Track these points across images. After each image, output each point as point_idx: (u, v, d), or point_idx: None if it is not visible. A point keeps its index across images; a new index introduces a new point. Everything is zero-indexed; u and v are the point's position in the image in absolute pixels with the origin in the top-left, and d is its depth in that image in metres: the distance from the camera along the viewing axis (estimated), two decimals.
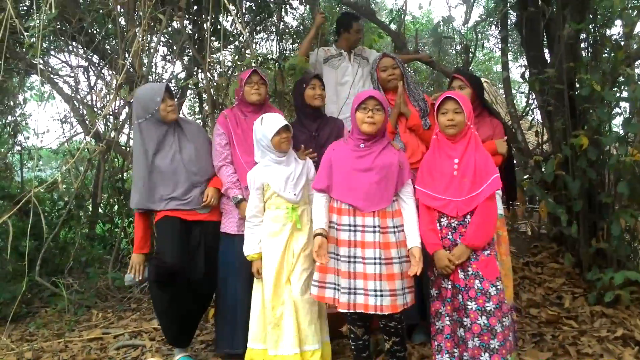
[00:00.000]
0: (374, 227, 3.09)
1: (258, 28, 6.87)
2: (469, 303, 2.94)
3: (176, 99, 3.71)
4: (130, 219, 5.77)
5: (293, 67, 4.40)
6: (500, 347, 2.88)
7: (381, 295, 3.01)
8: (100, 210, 6.38)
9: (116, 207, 6.27)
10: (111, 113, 5.21)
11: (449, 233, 3.01)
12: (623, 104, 4.71)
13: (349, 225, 3.12)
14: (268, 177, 3.38)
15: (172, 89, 3.73)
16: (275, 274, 3.32)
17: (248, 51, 5.99)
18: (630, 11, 4.53)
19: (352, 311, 3.08)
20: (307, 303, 3.30)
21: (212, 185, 3.70)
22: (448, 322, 3.03)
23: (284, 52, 6.81)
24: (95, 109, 5.47)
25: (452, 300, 3.01)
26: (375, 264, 3.04)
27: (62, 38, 5.57)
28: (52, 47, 6.03)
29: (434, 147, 3.16)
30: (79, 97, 5.82)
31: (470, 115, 3.07)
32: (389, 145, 3.23)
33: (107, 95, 5.61)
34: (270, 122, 3.37)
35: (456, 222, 3.00)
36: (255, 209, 3.43)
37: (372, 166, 3.12)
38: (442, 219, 3.03)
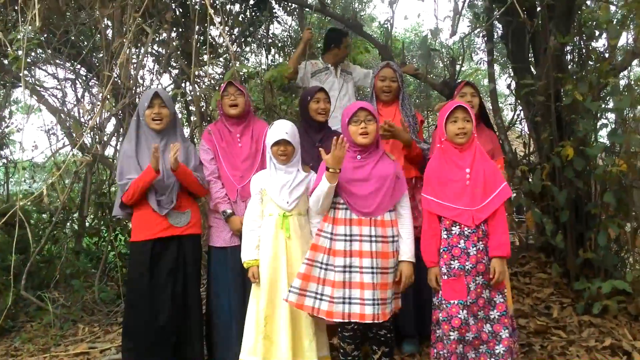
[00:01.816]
0: (371, 236, 3.10)
1: (246, 40, 6.88)
2: (478, 312, 3.00)
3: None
4: (117, 232, 5.73)
5: (274, 78, 4.41)
6: (505, 353, 2.95)
7: (378, 304, 3.02)
8: (87, 223, 6.32)
9: (103, 221, 6.21)
10: (97, 125, 5.17)
11: (461, 241, 3.01)
12: (610, 114, 4.77)
13: (345, 235, 3.12)
14: (266, 183, 3.39)
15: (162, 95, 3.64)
16: (269, 282, 3.30)
17: (237, 63, 6.00)
18: (615, 24, 4.60)
19: (347, 321, 3.07)
20: (309, 317, 3.28)
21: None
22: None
23: (272, 64, 6.82)
24: (82, 122, 5.44)
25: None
26: (373, 273, 3.05)
27: (49, 50, 5.54)
28: (38, 60, 5.99)
29: (439, 156, 3.15)
30: (65, 109, 5.78)
31: (475, 124, 3.11)
32: (384, 155, 3.24)
33: (94, 108, 5.58)
34: (273, 131, 3.37)
35: (469, 231, 3.00)
36: (253, 213, 3.43)
37: (370, 176, 3.15)
38: (453, 228, 3.03)
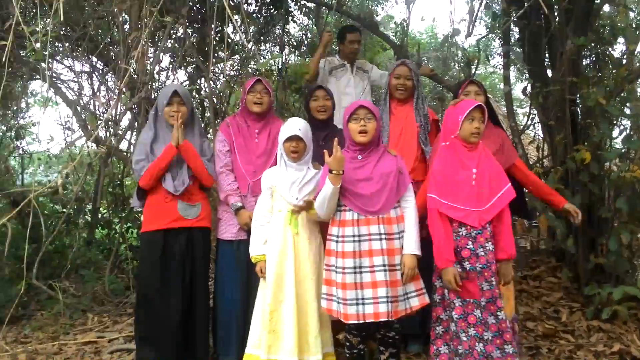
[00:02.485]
0: (380, 234, 3.09)
1: (262, 39, 6.91)
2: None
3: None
4: (129, 224, 5.78)
5: (292, 79, 4.42)
6: (515, 353, 2.96)
7: (390, 302, 3.02)
8: (99, 214, 6.38)
9: (115, 213, 6.27)
10: (112, 119, 5.22)
11: (469, 243, 3.00)
12: (624, 120, 4.72)
13: (354, 236, 3.11)
14: (277, 179, 3.42)
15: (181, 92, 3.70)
16: (275, 276, 3.31)
17: (253, 62, 6.02)
18: (634, 29, 4.56)
19: (362, 321, 3.06)
20: (316, 312, 3.29)
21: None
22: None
23: (287, 62, 6.85)
24: (97, 114, 5.49)
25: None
26: (384, 270, 3.04)
27: (67, 44, 5.60)
28: (56, 53, 6.06)
29: (445, 155, 3.12)
30: (82, 102, 5.84)
31: (487, 122, 3.12)
32: (385, 152, 3.24)
33: (110, 101, 5.63)
34: (286, 128, 3.39)
35: (475, 232, 2.99)
36: (263, 208, 3.45)
37: (372, 175, 3.14)
38: (460, 229, 3.01)
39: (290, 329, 3.25)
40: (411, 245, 3.11)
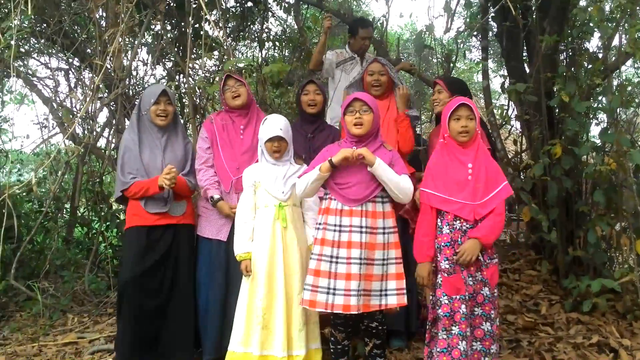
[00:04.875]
0: (361, 227, 3.09)
1: (240, 35, 6.87)
2: (475, 309, 3.00)
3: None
4: (108, 222, 5.71)
5: (270, 74, 4.40)
6: (497, 352, 3.00)
7: (361, 295, 3.03)
8: (78, 213, 6.30)
9: (94, 211, 6.19)
10: (89, 115, 5.16)
11: (461, 237, 3.01)
12: (602, 114, 4.79)
13: (335, 226, 3.12)
14: (259, 175, 3.42)
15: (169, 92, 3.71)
16: (267, 272, 3.31)
17: (231, 58, 5.96)
18: (607, 23, 4.61)
19: (329, 311, 3.07)
20: (300, 307, 3.30)
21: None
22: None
23: (266, 59, 6.81)
24: (74, 111, 5.41)
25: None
26: (360, 264, 3.04)
27: (42, 40, 5.52)
28: (31, 50, 5.96)
29: (441, 151, 3.14)
30: (58, 99, 5.76)
31: (479, 121, 3.10)
32: (382, 146, 3.23)
33: (86, 97, 5.56)
34: (267, 127, 3.39)
35: (468, 226, 3.00)
36: (247, 205, 3.44)
37: (363, 168, 3.12)
38: (455, 222, 3.02)
39: (280, 323, 3.27)
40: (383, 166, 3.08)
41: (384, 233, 3.13)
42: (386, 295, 3.14)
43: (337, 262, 3.08)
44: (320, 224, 3.19)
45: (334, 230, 3.11)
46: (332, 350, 3.34)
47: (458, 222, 3.01)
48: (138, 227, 3.59)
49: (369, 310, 3.08)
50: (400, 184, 3.08)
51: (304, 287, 3.17)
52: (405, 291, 3.18)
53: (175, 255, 3.64)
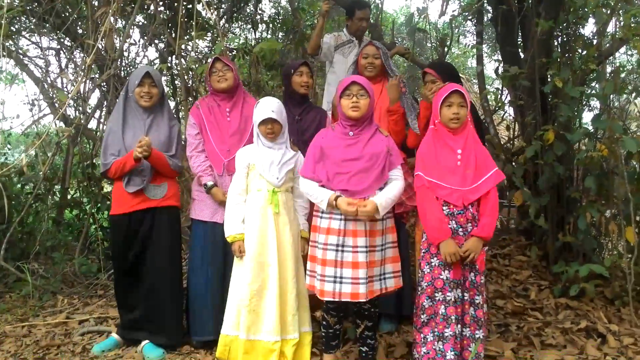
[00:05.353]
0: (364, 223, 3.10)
1: (234, 17, 6.81)
2: (465, 294, 3.02)
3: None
4: (99, 204, 5.69)
5: (263, 53, 4.36)
6: (483, 337, 3.01)
7: (367, 283, 3.04)
8: (69, 195, 6.27)
9: (85, 193, 6.16)
10: (80, 95, 5.11)
11: (452, 222, 3.01)
12: (595, 100, 4.78)
13: (341, 214, 3.10)
14: (254, 158, 3.40)
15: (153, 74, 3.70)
16: (256, 256, 3.31)
17: (224, 40, 5.92)
18: (603, 9, 4.59)
19: (337, 300, 3.07)
20: (295, 291, 3.31)
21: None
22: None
23: (259, 41, 6.76)
24: (65, 92, 5.36)
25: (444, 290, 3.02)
26: (366, 252, 3.05)
27: (33, 19, 5.45)
28: (22, 29, 5.89)
29: (432, 137, 3.14)
30: (49, 79, 5.70)
31: (469, 107, 3.09)
32: (377, 132, 3.22)
33: (78, 77, 5.51)
34: (259, 110, 3.36)
35: (457, 211, 3.00)
36: (239, 187, 3.43)
37: (361, 155, 3.12)
38: (444, 208, 3.02)
39: (272, 308, 3.26)
40: (383, 199, 3.07)
41: (382, 219, 3.14)
42: (385, 278, 3.17)
43: (343, 251, 3.07)
44: (323, 212, 3.17)
45: (340, 219, 3.10)
46: (323, 333, 3.35)
47: (446, 207, 3.02)
48: (120, 216, 3.64)
49: (373, 296, 3.09)
50: (397, 194, 3.15)
51: (306, 273, 3.20)
52: (400, 274, 3.21)
53: (157, 240, 3.65)
